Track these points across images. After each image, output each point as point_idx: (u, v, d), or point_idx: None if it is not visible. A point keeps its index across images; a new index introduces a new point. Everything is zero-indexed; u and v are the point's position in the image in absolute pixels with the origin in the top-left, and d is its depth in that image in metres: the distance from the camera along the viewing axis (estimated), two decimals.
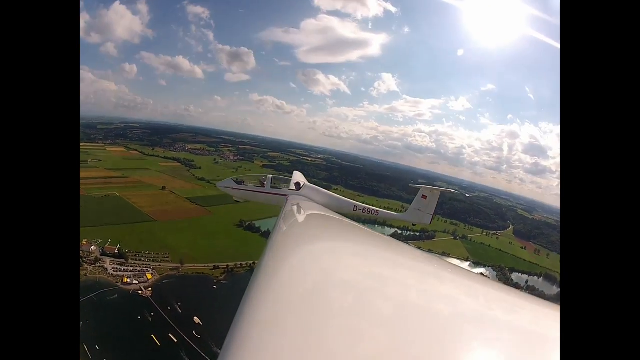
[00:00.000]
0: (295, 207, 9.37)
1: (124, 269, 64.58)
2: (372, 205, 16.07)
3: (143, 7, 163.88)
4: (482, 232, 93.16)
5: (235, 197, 15.81)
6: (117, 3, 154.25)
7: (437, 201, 15.80)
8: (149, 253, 68.30)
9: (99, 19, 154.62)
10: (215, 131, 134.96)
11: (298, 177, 16.89)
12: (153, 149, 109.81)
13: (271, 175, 15.61)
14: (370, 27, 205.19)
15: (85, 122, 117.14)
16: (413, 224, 16.29)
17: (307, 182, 15.72)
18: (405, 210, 16.45)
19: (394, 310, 2.10)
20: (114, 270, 64.12)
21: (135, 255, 67.38)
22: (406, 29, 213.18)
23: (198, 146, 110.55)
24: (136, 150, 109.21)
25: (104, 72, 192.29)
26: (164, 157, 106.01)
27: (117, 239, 69.97)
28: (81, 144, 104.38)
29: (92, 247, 67.70)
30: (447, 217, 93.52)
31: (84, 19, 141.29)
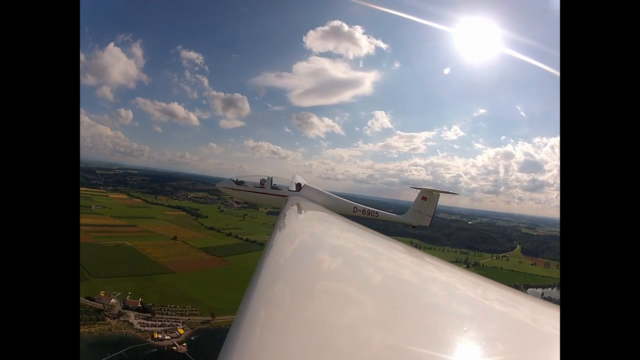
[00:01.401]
0: (295, 208, 9.32)
1: (152, 324, 61.12)
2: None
3: (138, 51, 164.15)
4: (492, 256, 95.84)
5: (235, 197, 16.07)
6: (111, 45, 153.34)
7: (437, 203, 15.96)
8: (174, 306, 65.49)
9: (94, 60, 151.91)
10: (213, 178, 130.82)
11: (298, 178, 16.86)
12: (156, 197, 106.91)
13: (271, 176, 15.73)
14: (361, 65, 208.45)
15: (84, 167, 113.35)
16: (413, 226, 16.21)
17: (307, 183, 15.74)
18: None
19: (399, 308, 2.05)
20: (140, 325, 60.44)
21: (161, 309, 64.22)
22: (396, 64, 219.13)
23: (200, 194, 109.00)
24: (139, 197, 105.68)
25: (100, 117, 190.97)
26: (169, 206, 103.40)
27: (136, 292, 66.48)
28: (83, 189, 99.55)
29: (113, 300, 63.72)
30: (457, 247, 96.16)
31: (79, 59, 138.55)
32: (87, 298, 63.02)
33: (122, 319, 61.05)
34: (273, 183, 15.64)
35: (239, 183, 15.74)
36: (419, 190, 16.36)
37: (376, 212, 15.86)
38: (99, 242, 78.13)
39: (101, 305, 62.25)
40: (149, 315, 62.47)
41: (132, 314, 62.04)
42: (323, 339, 1.54)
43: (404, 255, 3.53)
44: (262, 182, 15.64)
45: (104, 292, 64.99)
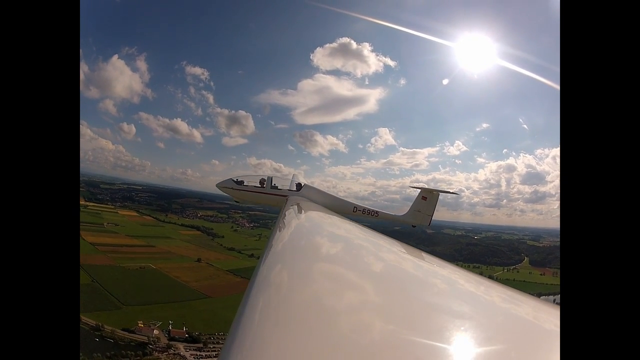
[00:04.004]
0: (295, 207, 9.27)
1: (206, 355, 55.42)
2: None
3: (142, 64, 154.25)
4: (503, 269, 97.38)
5: (235, 197, 16.12)
6: (115, 57, 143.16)
7: (436, 202, 16.23)
8: (223, 334, 60.06)
9: (97, 72, 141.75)
10: (217, 196, 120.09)
11: (298, 177, 17.00)
12: (166, 215, 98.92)
13: (271, 176, 15.87)
14: (366, 82, 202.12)
15: (87, 180, 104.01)
16: (413, 225, 16.44)
17: (307, 183, 15.87)
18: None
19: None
20: (194, 358, 54.59)
21: (211, 338, 58.62)
22: (402, 81, 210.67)
23: (209, 212, 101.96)
24: (149, 215, 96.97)
25: (102, 130, 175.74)
26: (181, 225, 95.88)
27: (177, 320, 60.22)
28: (91, 204, 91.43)
29: (155, 331, 56.99)
30: (469, 262, 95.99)
31: (83, 70, 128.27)
32: (125, 330, 55.91)
33: (172, 351, 54.79)
34: (273, 183, 15.71)
35: (239, 183, 15.70)
36: (419, 190, 16.78)
37: (376, 212, 16.04)
38: (121, 265, 70.31)
39: (145, 338, 55.43)
40: (200, 345, 56.75)
41: (180, 346, 55.93)
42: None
43: (405, 250, 3.57)
44: (262, 181, 15.69)
45: (142, 322, 58.02)
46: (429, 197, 16.04)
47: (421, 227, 16.67)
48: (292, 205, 9.88)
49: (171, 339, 56.76)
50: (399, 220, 16.54)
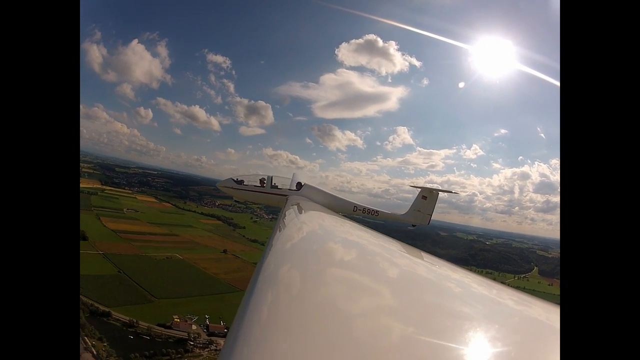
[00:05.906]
0: (295, 207, 9.26)
1: None
2: None
3: (163, 50, 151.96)
4: (514, 277, 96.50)
5: (235, 197, 16.20)
6: (135, 42, 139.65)
7: (436, 202, 16.19)
8: None
9: (116, 56, 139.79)
10: None
11: (299, 177, 17.01)
12: (185, 202, 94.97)
13: (272, 175, 15.80)
14: (389, 80, 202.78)
15: (101, 162, 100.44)
16: (413, 225, 16.31)
17: (307, 182, 15.79)
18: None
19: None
20: None
21: None
22: (425, 81, 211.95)
23: (227, 201, 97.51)
24: (168, 202, 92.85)
25: (119, 114, 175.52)
26: (201, 213, 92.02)
27: (213, 314, 56.43)
28: (109, 188, 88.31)
29: (193, 327, 53.00)
30: (481, 268, 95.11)
31: (101, 53, 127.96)
32: (161, 326, 51.83)
33: (213, 347, 50.92)
34: (273, 182, 15.57)
35: (239, 182, 15.55)
36: (419, 189, 16.61)
37: (376, 211, 15.90)
38: (147, 254, 65.87)
39: (184, 334, 51.44)
40: None
41: (221, 341, 51.94)
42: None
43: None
44: (262, 181, 15.56)
45: (177, 316, 53.89)
46: (429, 196, 15.94)
47: (421, 226, 16.50)
48: (292, 205, 9.73)
49: (210, 334, 52.90)
50: (399, 220, 16.34)
